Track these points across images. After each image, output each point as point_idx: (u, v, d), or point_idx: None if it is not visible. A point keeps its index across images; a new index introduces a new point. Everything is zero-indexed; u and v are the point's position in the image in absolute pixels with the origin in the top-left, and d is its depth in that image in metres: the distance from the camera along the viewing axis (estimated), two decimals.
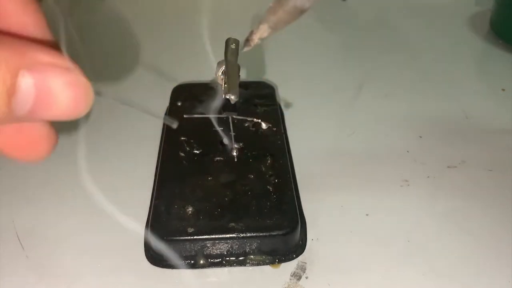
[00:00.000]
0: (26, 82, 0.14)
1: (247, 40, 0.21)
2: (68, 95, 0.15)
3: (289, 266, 0.30)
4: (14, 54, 0.14)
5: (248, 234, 0.30)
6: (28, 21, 0.16)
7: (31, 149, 0.17)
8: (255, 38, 0.20)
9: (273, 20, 0.19)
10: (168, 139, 0.37)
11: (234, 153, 0.35)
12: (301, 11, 0.19)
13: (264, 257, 0.30)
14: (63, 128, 0.42)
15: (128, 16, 0.62)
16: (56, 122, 0.17)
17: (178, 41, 0.56)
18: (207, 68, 0.32)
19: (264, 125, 0.33)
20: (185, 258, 0.30)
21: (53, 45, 0.17)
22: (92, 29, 0.58)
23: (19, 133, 0.17)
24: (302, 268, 0.30)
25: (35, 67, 0.14)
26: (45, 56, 0.15)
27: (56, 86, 0.15)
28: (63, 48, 0.16)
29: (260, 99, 0.40)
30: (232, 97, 0.29)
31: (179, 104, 0.40)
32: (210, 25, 0.59)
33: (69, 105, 0.15)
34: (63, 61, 0.15)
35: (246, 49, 0.21)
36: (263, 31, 0.20)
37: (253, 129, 0.37)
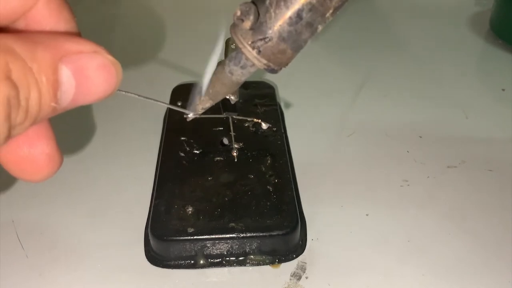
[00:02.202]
0: (66, 74, 0.15)
1: (193, 111, 0.23)
2: (102, 76, 0.16)
3: (289, 266, 0.30)
4: (49, 50, 0.14)
5: (248, 234, 0.30)
6: (58, 18, 0.17)
7: (34, 169, 0.18)
8: (199, 108, 0.22)
9: (212, 92, 0.21)
10: (168, 139, 0.37)
11: (234, 153, 0.35)
12: (237, 84, 0.20)
13: (264, 257, 0.30)
14: (63, 127, 0.42)
15: (128, 17, 0.62)
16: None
17: (178, 41, 0.56)
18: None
19: (264, 125, 0.33)
20: (185, 258, 0.30)
21: (77, 34, 0.17)
22: (92, 29, 0.58)
23: (23, 152, 0.17)
24: (302, 268, 0.30)
25: (69, 57, 0.15)
26: (73, 45, 0.15)
27: (91, 71, 0.16)
28: None
29: (260, 99, 0.40)
30: (232, 97, 0.29)
31: (179, 104, 0.40)
32: (210, 24, 0.59)
33: (104, 86, 0.16)
34: (90, 45, 0.16)
35: (191, 116, 0.22)
36: (205, 103, 0.22)
37: (253, 129, 0.37)
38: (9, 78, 0.13)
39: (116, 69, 0.16)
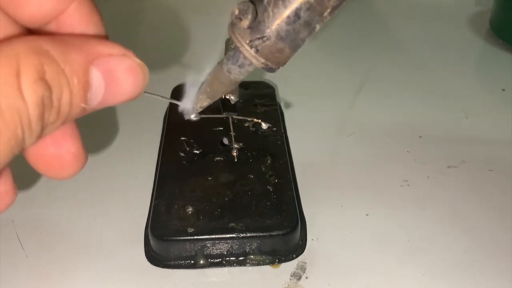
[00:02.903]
0: (96, 76, 0.15)
1: (191, 109, 0.23)
2: (130, 79, 0.16)
3: (289, 266, 0.30)
4: (81, 52, 0.15)
5: (248, 234, 0.29)
6: (88, 21, 0.18)
7: (60, 167, 0.18)
8: (197, 107, 0.22)
9: (209, 91, 0.21)
10: (168, 139, 0.37)
11: (234, 153, 0.35)
12: (235, 82, 0.20)
13: (264, 257, 0.30)
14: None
15: (128, 16, 0.62)
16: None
17: (178, 41, 0.56)
18: (207, 68, 0.32)
19: (264, 125, 0.33)
20: (185, 258, 0.30)
21: (105, 37, 0.18)
22: None
23: (50, 151, 0.18)
24: (302, 268, 0.30)
25: (100, 60, 0.16)
26: (104, 48, 0.16)
27: (120, 74, 0.16)
28: None
29: (260, 99, 0.40)
30: (232, 97, 0.29)
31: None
32: (210, 25, 0.59)
33: (131, 88, 0.17)
34: (119, 49, 0.16)
35: (193, 117, 0.22)
36: (202, 101, 0.22)
37: (253, 129, 0.37)
38: (43, 79, 0.14)
39: (143, 72, 0.17)
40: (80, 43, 0.15)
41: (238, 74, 0.20)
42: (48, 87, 0.14)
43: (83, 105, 0.15)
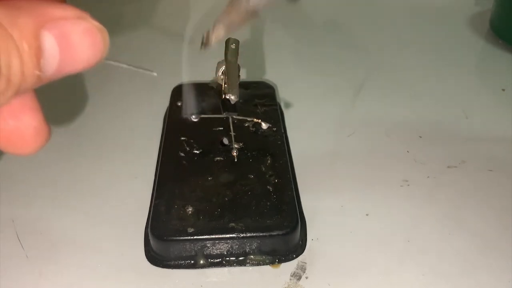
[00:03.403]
0: (49, 41, 0.14)
1: (205, 42, 0.21)
2: (88, 43, 0.15)
3: (289, 266, 0.30)
4: (31, 16, 0.14)
5: (248, 234, 0.29)
6: None
7: (21, 142, 0.17)
8: (213, 38, 0.21)
9: (227, 21, 0.20)
10: (168, 139, 0.37)
11: (234, 153, 0.35)
12: (252, 14, 0.19)
13: (264, 257, 0.30)
14: (64, 128, 0.42)
15: (128, 16, 0.62)
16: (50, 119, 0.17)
17: (178, 41, 0.56)
18: (207, 68, 0.32)
19: (264, 125, 0.33)
20: (185, 258, 0.30)
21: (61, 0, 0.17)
22: None
23: (8, 125, 0.17)
24: (302, 268, 0.30)
25: (52, 23, 0.14)
26: (57, 11, 0.15)
27: (75, 37, 0.15)
28: None
29: (260, 99, 0.40)
30: (232, 97, 0.29)
31: (179, 104, 0.40)
32: (210, 24, 0.59)
33: (89, 53, 0.15)
34: (75, 11, 0.15)
35: (205, 48, 0.21)
36: (218, 32, 0.21)
37: (253, 129, 0.37)
38: None
39: (102, 35, 0.16)
40: (30, 6, 0.14)
41: (257, 1, 0.19)
42: None
43: (37, 72, 0.14)
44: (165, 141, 0.37)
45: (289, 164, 0.35)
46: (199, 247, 0.30)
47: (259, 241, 0.30)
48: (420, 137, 0.41)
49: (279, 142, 0.36)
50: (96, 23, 0.16)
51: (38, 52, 0.14)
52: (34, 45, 0.14)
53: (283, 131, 0.38)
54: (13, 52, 0.13)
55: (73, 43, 0.15)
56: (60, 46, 0.15)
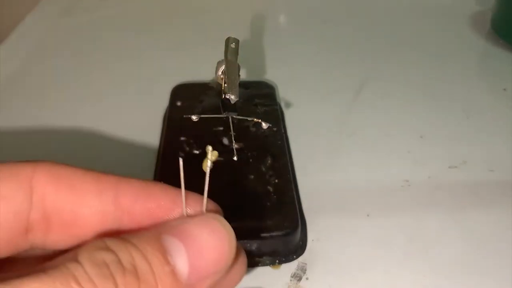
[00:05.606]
0: (169, 240, 0.17)
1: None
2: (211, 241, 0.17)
3: (290, 267, 0.30)
4: (150, 230, 0.17)
5: (248, 235, 0.29)
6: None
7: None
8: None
9: None
10: (168, 139, 0.37)
11: (234, 153, 0.34)
12: None
13: (264, 257, 0.30)
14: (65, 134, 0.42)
15: (128, 16, 0.61)
16: None
17: (177, 41, 0.56)
18: (207, 68, 0.32)
19: (264, 125, 0.33)
20: None
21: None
22: (91, 28, 0.58)
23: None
24: (303, 269, 0.30)
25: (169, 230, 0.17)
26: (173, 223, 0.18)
27: (198, 234, 0.17)
28: None
29: (260, 99, 0.40)
30: (232, 97, 0.29)
31: (179, 104, 0.40)
32: (210, 24, 0.59)
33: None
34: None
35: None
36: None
37: (253, 129, 0.37)
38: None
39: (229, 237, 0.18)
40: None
41: None
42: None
43: (167, 268, 0.16)
44: (165, 141, 0.37)
45: (289, 164, 0.35)
46: None
47: (259, 242, 0.30)
48: (421, 137, 0.41)
49: (280, 142, 0.36)
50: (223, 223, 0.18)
51: (161, 248, 0.16)
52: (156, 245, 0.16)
53: (283, 131, 0.38)
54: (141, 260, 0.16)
55: (196, 239, 0.17)
56: (184, 243, 0.17)
